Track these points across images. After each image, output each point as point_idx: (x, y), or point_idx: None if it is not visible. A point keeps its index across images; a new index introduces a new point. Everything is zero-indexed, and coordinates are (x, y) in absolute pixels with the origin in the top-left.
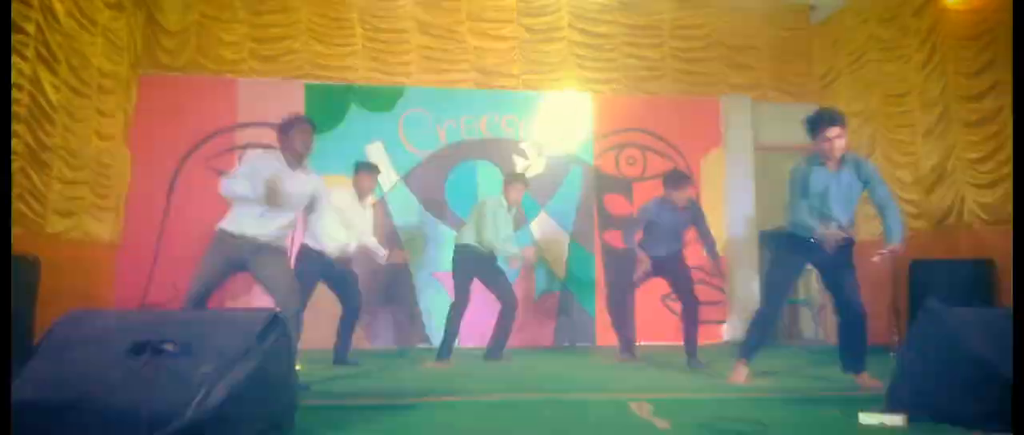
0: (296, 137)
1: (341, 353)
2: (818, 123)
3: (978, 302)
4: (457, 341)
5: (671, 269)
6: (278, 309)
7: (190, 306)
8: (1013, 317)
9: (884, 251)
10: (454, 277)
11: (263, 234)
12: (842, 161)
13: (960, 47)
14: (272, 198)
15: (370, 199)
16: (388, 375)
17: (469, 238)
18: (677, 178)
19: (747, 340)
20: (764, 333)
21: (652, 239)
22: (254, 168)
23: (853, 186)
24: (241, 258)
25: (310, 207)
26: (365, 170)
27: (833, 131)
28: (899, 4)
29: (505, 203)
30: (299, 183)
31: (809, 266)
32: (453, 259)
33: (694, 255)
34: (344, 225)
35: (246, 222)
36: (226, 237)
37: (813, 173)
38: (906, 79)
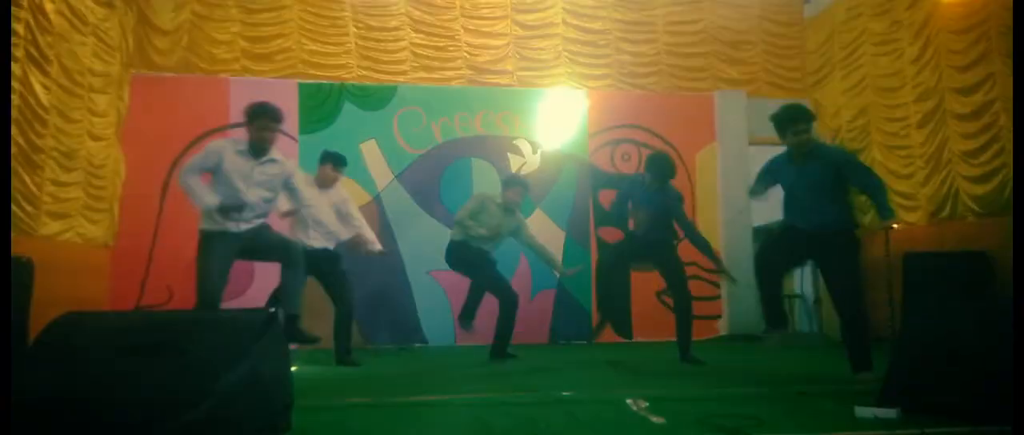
0: (261, 127)
1: (342, 353)
2: (789, 120)
3: (971, 294)
4: (455, 340)
5: (660, 258)
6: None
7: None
8: (1013, 310)
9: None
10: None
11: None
12: (810, 154)
13: (953, 40)
14: (232, 196)
15: (336, 190)
16: (384, 374)
17: (461, 235)
18: (656, 163)
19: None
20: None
21: (637, 220)
22: (214, 164)
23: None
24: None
25: (286, 194)
26: (330, 160)
27: (802, 126)
28: None
29: (499, 200)
30: (265, 172)
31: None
32: (460, 257)
33: (688, 251)
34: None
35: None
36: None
37: (782, 169)
38: (899, 72)
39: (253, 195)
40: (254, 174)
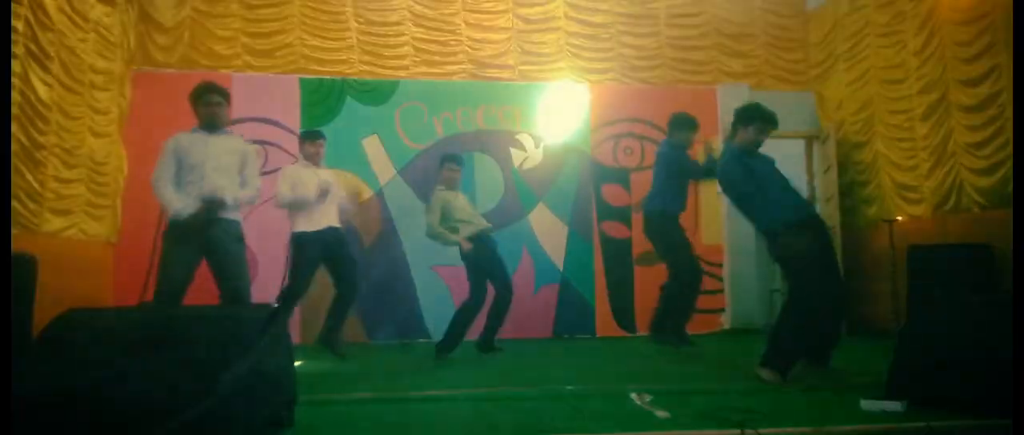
0: (206, 103)
1: (329, 337)
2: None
3: (976, 287)
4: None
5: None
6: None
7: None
8: (1013, 302)
9: None
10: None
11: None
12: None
13: (958, 32)
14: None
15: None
16: (387, 369)
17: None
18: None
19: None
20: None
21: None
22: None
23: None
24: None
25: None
26: (309, 138)
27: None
28: None
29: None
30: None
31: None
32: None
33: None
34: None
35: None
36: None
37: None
38: (904, 64)
39: (216, 173)
40: (210, 146)
